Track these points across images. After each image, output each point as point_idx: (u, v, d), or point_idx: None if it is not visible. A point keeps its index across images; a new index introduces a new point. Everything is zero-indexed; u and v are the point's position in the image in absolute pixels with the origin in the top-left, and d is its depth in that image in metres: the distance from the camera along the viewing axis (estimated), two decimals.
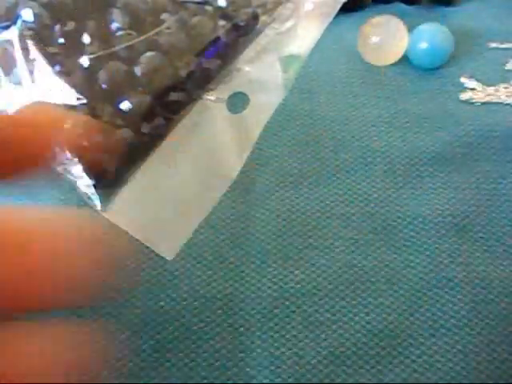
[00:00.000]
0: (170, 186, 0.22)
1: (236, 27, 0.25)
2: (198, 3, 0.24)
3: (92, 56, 0.22)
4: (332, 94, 0.30)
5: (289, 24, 0.26)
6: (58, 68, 0.22)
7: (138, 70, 0.23)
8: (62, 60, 0.22)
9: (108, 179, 0.23)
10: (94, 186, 0.22)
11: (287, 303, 0.22)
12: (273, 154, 0.27)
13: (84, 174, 0.22)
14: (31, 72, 0.22)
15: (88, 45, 0.23)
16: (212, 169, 0.23)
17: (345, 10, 0.28)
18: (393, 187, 0.26)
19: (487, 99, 0.29)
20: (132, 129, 0.22)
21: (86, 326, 0.15)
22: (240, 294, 0.22)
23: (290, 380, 0.20)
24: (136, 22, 0.23)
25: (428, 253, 0.23)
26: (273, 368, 0.20)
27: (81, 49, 0.22)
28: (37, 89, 0.23)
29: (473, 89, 0.30)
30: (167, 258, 0.23)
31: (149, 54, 0.23)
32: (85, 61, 0.22)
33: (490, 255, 0.23)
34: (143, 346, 0.21)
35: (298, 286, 0.22)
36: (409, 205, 0.25)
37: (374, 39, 0.31)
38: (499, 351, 0.21)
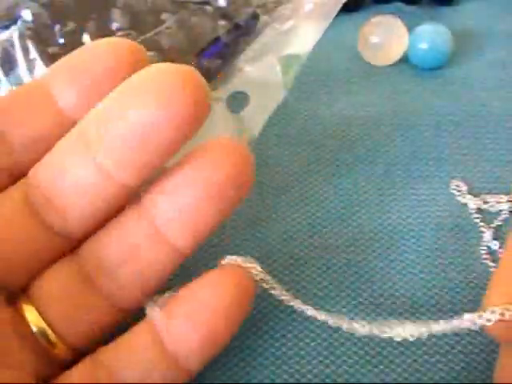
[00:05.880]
0: None
1: (236, 27, 0.25)
2: (198, 3, 0.24)
3: None
4: (332, 94, 0.30)
5: (289, 24, 0.26)
6: None
7: None
8: None
9: None
10: None
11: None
12: (273, 153, 0.27)
13: None
14: (31, 72, 0.22)
15: None
16: None
17: (345, 10, 0.28)
18: (393, 187, 0.26)
19: None
20: None
21: None
22: None
23: (291, 380, 0.20)
24: (136, 22, 0.23)
25: (428, 253, 0.23)
26: (273, 368, 0.20)
27: None
28: None
29: None
30: None
31: (149, 53, 0.23)
32: None
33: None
34: None
35: (299, 285, 0.22)
36: (409, 205, 0.25)
37: (374, 39, 0.31)
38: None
